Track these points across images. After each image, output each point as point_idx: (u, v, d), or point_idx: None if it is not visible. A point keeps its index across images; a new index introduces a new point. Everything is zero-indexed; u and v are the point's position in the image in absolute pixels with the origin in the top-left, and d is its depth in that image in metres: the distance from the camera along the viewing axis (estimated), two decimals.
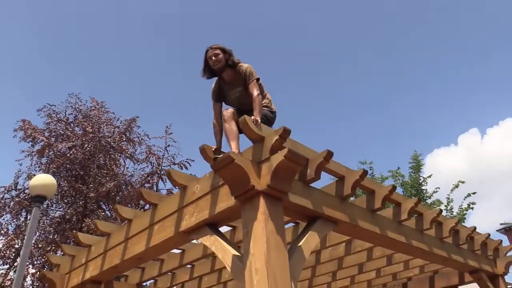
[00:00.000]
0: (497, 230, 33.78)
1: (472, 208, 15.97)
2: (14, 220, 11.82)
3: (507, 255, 6.15)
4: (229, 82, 3.78)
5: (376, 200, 3.88)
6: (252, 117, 3.09)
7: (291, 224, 4.50)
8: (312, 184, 3.31)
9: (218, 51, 3.67)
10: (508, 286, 6.14)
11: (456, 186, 16.44)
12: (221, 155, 2.90)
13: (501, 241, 6.12)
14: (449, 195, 16.34)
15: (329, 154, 3.13)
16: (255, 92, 3.54)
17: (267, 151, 2.92)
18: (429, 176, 16.97)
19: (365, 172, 3.54)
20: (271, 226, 2.74)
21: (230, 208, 3.06)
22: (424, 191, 16.72)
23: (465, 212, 15.77)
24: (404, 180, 17.08)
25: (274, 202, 2.87)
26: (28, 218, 11.63)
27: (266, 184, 2.78)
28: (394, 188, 3.92)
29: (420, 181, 16.90)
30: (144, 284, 6.02)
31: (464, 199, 16.21)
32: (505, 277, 5.98)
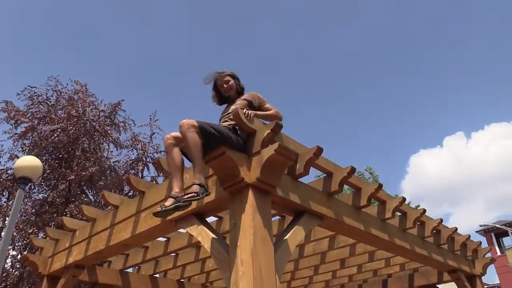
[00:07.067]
0: (476, 232, 34.43)
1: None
2: None
3: (486, 256, 6.29)
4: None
5: (362, 197, 3.94)
6: (246, 110, 3.09)
7: (277, 217, 4.55)
8: (300, 179, 3.34)
9: (228, 78, 3.69)
10: (485, 287, 6.28)
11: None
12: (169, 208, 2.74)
13: (480, 242, 6.25)
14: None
15: (319, 150, 3.16)
16: (276, 109, 3.53)
17: (258, 145, 2.93)
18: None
19: (353, 170, 3.58)
20: (258, 219, 2.76)
21: (218, 199, 3.08)
22: None
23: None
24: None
25: (262, 195, 2.89)
26: (10, 199, 11.50)
27: (255, 177, 2.80)
28: (380, 186, 3.99)
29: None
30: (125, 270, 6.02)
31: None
32: (482, 277, 6.13)
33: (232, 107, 3.46)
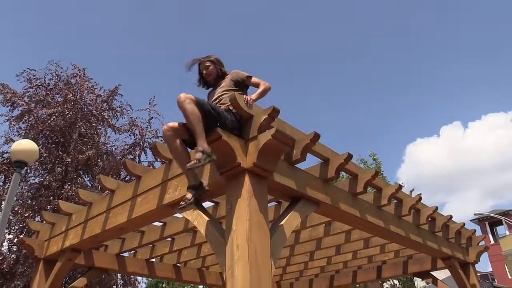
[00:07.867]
0: (471, 220, 34.74)
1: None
2: None
3: (479, 244, 6.34)
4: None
5: (359, 184, 3.95)
6: (245, 96, 3.07)
7: (273, 203, 4.55)
8: (297, 165, 3.34)
9: (208, 64, 3.70)
10: (478, 275, 6.34)
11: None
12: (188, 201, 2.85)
13: (475, 230, 6.30)
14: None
15: (316, 136, 3.15)
16: (263, 81, 3.49)
17: (255, 130, 2.92)
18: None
19: (349, 156, 3.58)
20: (254, 204, 2.76)
21: (214, 184, 3.07)
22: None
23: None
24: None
25: (259, 180, 2.89)
26: (6, 182, 11.47)
27: (252, 162, 2.80)
28: (376, 173, 3.98)
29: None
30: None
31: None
32: (476, 265, 6.19)
33: (218, 89, 3.50)
